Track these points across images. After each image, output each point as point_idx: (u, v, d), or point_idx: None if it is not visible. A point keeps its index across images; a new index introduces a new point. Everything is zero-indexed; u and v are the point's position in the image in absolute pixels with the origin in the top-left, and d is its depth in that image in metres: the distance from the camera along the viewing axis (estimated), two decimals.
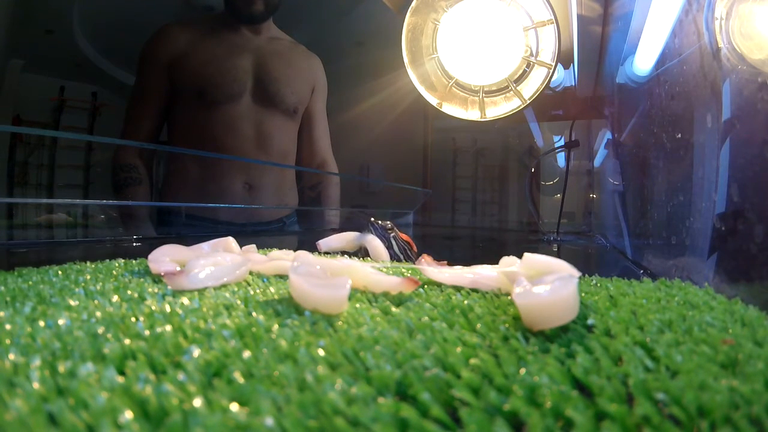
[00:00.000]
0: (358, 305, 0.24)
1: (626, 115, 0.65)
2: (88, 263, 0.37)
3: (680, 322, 0.20)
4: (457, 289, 0.29)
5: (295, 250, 0.40)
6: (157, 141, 0.96)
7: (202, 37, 0.92)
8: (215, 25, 0.94)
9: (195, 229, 0.90)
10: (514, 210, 2.22)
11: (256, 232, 0.96)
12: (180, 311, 0.22)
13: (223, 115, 0.91)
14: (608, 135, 0.87)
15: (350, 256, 0.42)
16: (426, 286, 0.29)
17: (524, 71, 0.60)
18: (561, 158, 1.17)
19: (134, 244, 0.68)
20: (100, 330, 0.18)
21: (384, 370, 0.15)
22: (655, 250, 0.46)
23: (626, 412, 0.12)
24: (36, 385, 0.13)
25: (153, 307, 0.22)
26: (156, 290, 0.26)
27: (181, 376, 0.14)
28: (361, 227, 0.45)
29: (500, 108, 0.63)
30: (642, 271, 0.44)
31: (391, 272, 0.30)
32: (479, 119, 0.63)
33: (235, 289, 0.28)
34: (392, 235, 0.44)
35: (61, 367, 0.15)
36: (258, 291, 0.27)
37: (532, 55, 0.59)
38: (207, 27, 0.94)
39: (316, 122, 1.07)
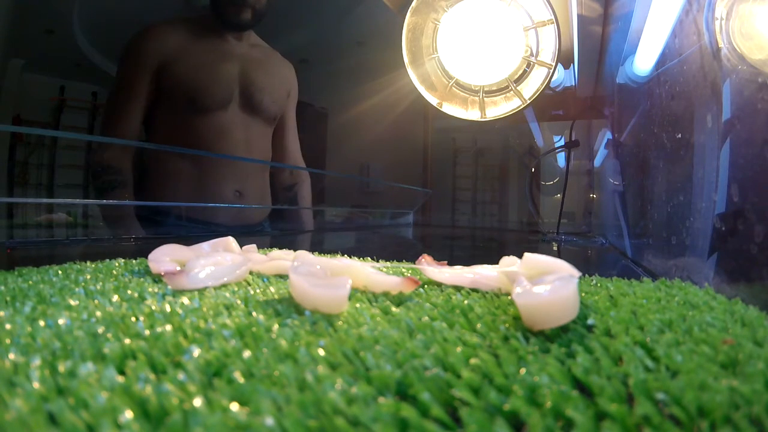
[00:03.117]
0: (358, 305, 0.24)
1: (626, 115, 0.65)
2: (88, 263, 0.37)
3: (680, 322, 0.20)
4: (457, 289, 0.29)
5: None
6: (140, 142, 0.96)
7: (189, 40, 0.92)
8: (201, 29, 0.94)
9: (185, 230, 0.90)
10: (514, 210, 2.21)
11: (243, 233, 0.98)
12: (180, 311, 0.22)
13: (211, 122, 0.91)
14: (608, 135, 0.87)
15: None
16: (426, 286, 0.29)
17: (524, 71, 0.60)
18: (561, 158, 1.17)
19: (132, 242, 0.68)
20: (100, 330, 0.18)
21: (384, 369, 0.15)
22: (655, 250, 0.46)
23: (626, 412, 0.12)
24: (36, 385, 0.13)
25: (153, 307, 0.22)
26: (156, 290, 0.26)
27: (181, 375, 0.14)
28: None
29: (500, 108, 0.63)
30: (642, 271, 0.44)
31: (391, 272, 0.30)
32: (479, 119, 0.63)
33: (235, 288, 0.28)
34: None
35: (61, 367, 0.15)
36: (258, 291, 0.27)
37: (533, 55, 0.59)
38: (193, 30, 0.93)
39: (288, 128, 1.09)
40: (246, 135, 0.96)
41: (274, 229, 1.06)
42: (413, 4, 0.60)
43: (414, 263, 0.35)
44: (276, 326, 0.19)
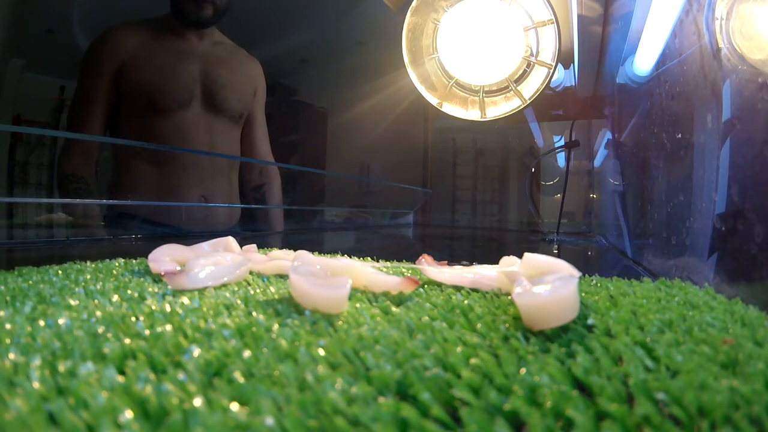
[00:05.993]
0: (358, 305, 0.24)
1: (626, 115, 0.65)
2: (88, 263, 0.37)
3: (680, 322, 0.20)
4: (458, 289, 0.29)
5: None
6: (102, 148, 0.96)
7: (148, 41, 0.91)
8: (161, 29, 0.93)
9: (150, 233, 0.90)
10: (514, 210, 2.21)
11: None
12: (180, 311, 0.22)
13: (173, 123, 0.90)
14: (608, 135, 0.87)
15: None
16: (426, 286, 0.29)
17: (524, 71, 0.60)
18: (561, 158, 1.17)
19: (133, 242, 0.68)
20: (100, 329, 0.18)
21: (384, 369, 0.15)
22: (655, 250, 0.46)
23: (626, 412, 0.12)
24: (36, 385, 0.13)
25: (153, 307, 0.22)
26: (156, 290, 0.26)
27: (181, 375, 0.14)
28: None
29: (500, 108, 0.63)
30: (642, 271, 0.44)
31: (391, 272, 0.30)
32: (479, 119, 0.63)
33: (236, 288, 0.28)
34: None
35: (61, 367, 0.15)
36: (258, 291, 0.27)
37: (533, 55, 0.59)
38: (152, 31, 0.92)
39: (257, 126, 1.07)
40: (210, 135, 0.95)
41: (245, 230, 1.04)
42: (413, 4, 0.60)
43: (414, 263, 0.35)
44: (276, 326, 0.19)
